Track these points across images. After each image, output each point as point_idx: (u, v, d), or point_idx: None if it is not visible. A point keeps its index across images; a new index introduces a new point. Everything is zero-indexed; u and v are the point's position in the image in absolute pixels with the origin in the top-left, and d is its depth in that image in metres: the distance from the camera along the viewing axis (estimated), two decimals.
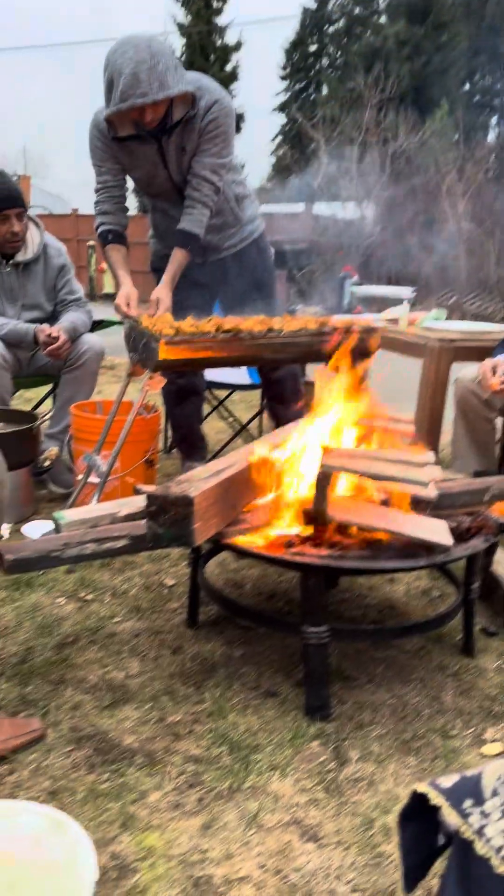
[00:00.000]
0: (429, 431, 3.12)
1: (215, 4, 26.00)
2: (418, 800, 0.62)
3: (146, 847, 1.32)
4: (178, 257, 2.67)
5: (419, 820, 0.64)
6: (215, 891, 1.24)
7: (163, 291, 2.65)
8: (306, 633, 1.66)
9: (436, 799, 0.58)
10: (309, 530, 1.76)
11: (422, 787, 0.60)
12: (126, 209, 2.82)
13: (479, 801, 0.57)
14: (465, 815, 0.57)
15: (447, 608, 1.90)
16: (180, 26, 25.52)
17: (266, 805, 1.43)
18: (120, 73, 2.33)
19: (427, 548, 1.71)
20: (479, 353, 2.86)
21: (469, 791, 0.58)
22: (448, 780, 0.60)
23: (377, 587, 2.41)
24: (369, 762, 1.56)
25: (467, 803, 0.57)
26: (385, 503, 1.85)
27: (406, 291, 3.90)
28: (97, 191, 2.76)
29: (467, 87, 29.76)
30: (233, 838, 1.35)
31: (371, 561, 1.67)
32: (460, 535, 1.82)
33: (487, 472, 2.66)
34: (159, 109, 2.44)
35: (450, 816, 0.57)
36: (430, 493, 1.77)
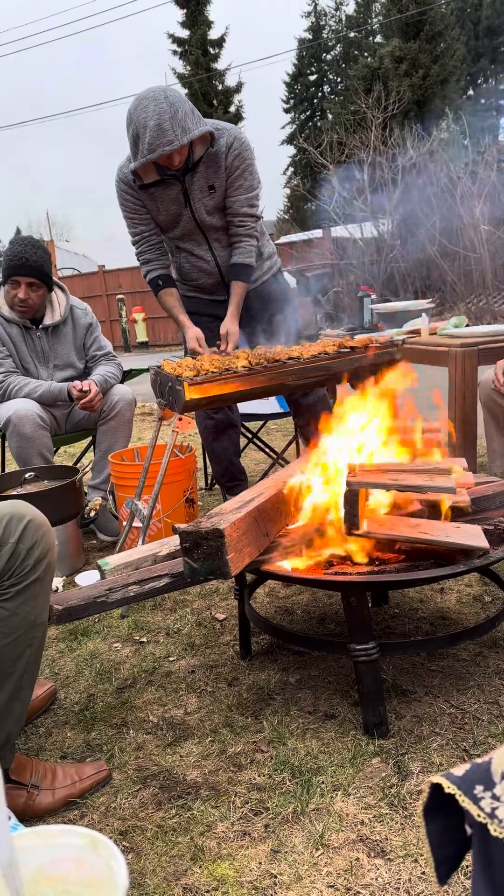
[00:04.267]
0: (464, 437, 3.11)
1: (212, 51, 26.76)
2: (437, 792, 0.64)
3: (218, 877, 1.35)
4: (237, 289, 2.86)
5: (444, 812, 0.66)
6: None
7: (230, 324, 2.82)
8: (354, 652, 1.67)
9: (449, 788, 0.61)
10: (345, 549, 1.79)
11: (436, 778, 0.62)
12: (167, 253, 2.96)
13: (490, 785, 0.59)
14: (477, 801, 0.59)
15: (496, 611, 1.90)
16: (180, 76, 26.30)
17: (331, 825, 1.44)
18: (145, 127, 2.49)
19: (465, 553, 1.71)
20: (502, 354, 2.86)
21: (480, 777, 0.60)
22: (460, 769, 0.62)
23: (428, 599, 2.40)
24: (432, 773, 1.55)
25: (478, 789, 0.59)
26: (427, 514, 1.86)
27: (424, 303, 3.92)
28: (135, 243, 2.91)
29: (471, 91, 29.83)
30: (301, 860, 1.36)
31: (408, 573, 1.68)
32: (499, 537, 1.82)
33: None
34: (184, 152, 2.62)
35: (464, 803, 0.60)
36: (461, 497, 1.79)
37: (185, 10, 26.39)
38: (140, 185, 2.71)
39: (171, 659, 2.15)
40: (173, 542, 1.90)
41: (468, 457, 3.03)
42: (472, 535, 1.68)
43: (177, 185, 2.72)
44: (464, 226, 10.77)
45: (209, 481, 3.93)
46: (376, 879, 1.30)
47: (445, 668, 1.97)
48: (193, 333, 2.81)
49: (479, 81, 31.91)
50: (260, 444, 3.88)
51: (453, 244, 10.90)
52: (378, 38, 31.11)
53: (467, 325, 3.54)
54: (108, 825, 1.51)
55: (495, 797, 0.59)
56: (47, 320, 3.22)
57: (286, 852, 1.39)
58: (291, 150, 32.42)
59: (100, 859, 0.60)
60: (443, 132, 14.55)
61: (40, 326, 3.21)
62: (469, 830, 0.65)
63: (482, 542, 1.66)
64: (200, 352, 2.74)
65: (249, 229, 2.85)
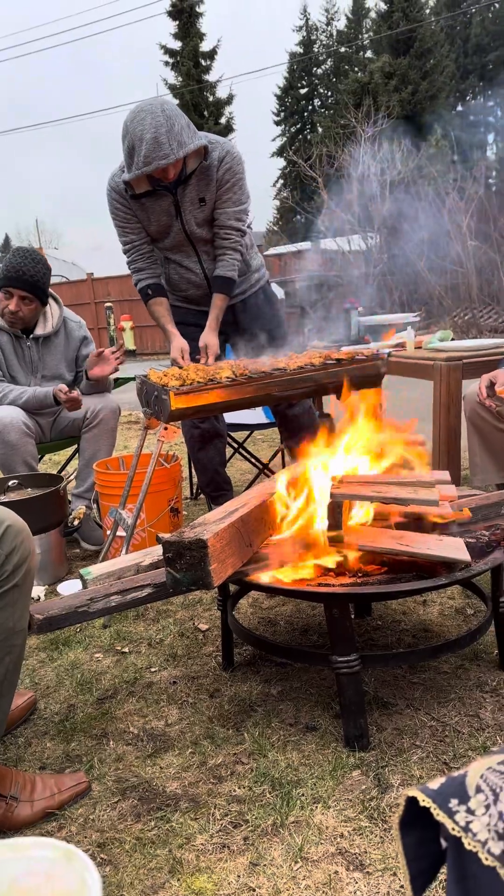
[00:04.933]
0: (448, 450, 3.13)
1: (204, 63, 26.92)
2: (413, 805, 0.64)
3: (196, 890, 1.34)
4: (217, 302, 2.87)
5: (420, 826, 0.66)
6: None
7: (209, 336, 2.82)
8: (336, 664, 1.67)
9: (424, 801, 0.61)
10: (328, 561, 1.79)
11: (412, 791, 0.63)
12: (158, 262, 2.97)
13: (465, 799, 0.60)
14: (451, 814, 0.59)
15: (477, 624, 1.90)
16: (172, 87, 26.43)
17: (311, 838, 1.43)
18: (141, 140, 2.50)
19: (448, 566, 1.72)
20: (487, 368, 2.89)
21: (455, 791, 0.61)
22: (436, 783, 0.63)
23: (410, 611, 2.41)
24: (411, 786, 1.55)
25: (453, 802, 0.60)
26: (411, 526, 1.87)
27: (410, 316, 3.95)
28: (126, 252, 2.91)
29: (460, 108, 30.18)
30: (280, 874, 1.36)
31: (390, 585, 1.68)
32: (481, 550, 1.83)
33: None
34: (179, 165, 2.63)
35: (439, 817, 0.60)
36: (444, 510, 1.80)
37: (177, 22, 26.56)
38: (132, 196, 2.72)
39: (152, 670, 2.14)
40: (157, 551, 1.89)
41: (451, 470, 3.06)
42: (454, 548, 1.69)
43: (168, 197, 2.74)
44: (451, 240, 10.87)
45: (194, 491, 3.93)
46: (355, 893, 1.30)
47: (427, 681, 1.97)
48: (178, 344, 2.82)
49: (468, 98, 32.28)
50: (246, 454, 3.88)
51: (440, 258, 10.99)
52: (368, 54, 31.47)
53: (452, 339, 3.57)
54: (85, 837, 1.50)
55: (470, 811, 0.59)
56: (39, 331, 3.21)
57: (265, 865, 1.38)
58: (281, 162, 32.65)
59: (73, 872, 0.60)
60: (431, 147, 14.70)
61: (31, 336, 3.21)
62: (444, 844, 0.65)
63: (464, 555, 1.67)
64: (182, 364, 2.74)
65: (234, 243, 2.85)
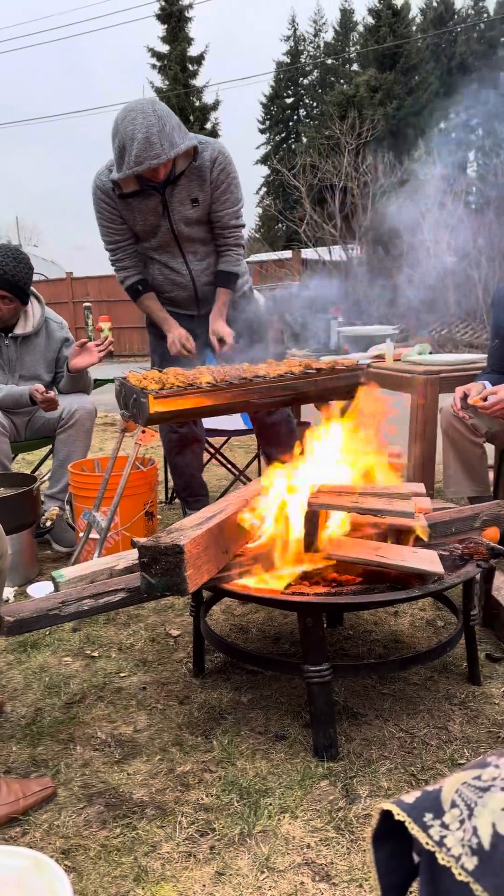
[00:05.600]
0: (423, 462, 3.16)
1: (191, 67, 26.96)
2: (387, 819, 0.64)
3: None
4: (222, 295, 2.93)
5: (393, 839, 0.66)
6: None
7: (220, 326, 2.87)
8: (308, 673, 1.67)
9: (399, 815, 0.61)
10: (303, 570, 1.79)
11: (387, 805, 0.63)
12: (143, 261, 2.97)
13: (439, 813, 0.60)
14: (426, 828, 0.59)
15: (448, 637, 1.92)
16: (158, 90, 26.42)
17: (277, 848, 1.43)
18: (132, 139, 2.49)
19: (421, 578, 1.73)
20: (463, 382, 2.92)
21: (430, 805, 0.61)
22: (411, 797, 0.63)
23: (382, 622, 2.42)
24: (379, 797, 1.56)
25: (427, 817, 0.60)
26: (388, 538, 1.88)
27: (389, 329, 3.98)
28: (111, 251, 2.91)
29: (443, 125, 30.56)
30: (246, 884, 1.35)
31: (364, 595, 1.69)
32: (454, 563, 1.85)
33: (482, 498, 2.71)
34: (169, 165, 2.64)
35: (413, 831, 0.60)
36: (419, 523, 1.81)
37: (166, 26, 26.59)
38: (119, 195, 2.71)
39: (122, 675, 2.13)
40: (131, 555, 1.88)
41: (426, 481, 3.08)
42: (428, 561, 1.70)
43: (156, 197, 2.73)
44: (430, 256, 11.00)
45: (169, 495, 3.91)
46: None
47: (396, 692, 1.98)
48: (180, 332, 2.84)
49: (451, 116, 32.71)
50: (222, 459, 3.88)
51: (419, 273, 11.11)
52: (355, 67, 31.76)
53: (431, 353, 3.60)
54: (50, 843, 1.48)
55: (444, 825, 0.59)
56: (18, 330, 3.18)
57: (231, 875, 1.37)
58: (265, 170, 32.78)
59: (42, 881, 0.59)
60: (414, 162, 14.86)
61: (10, 335, 3.18)
62: (416, 858, 0.65)
63: (437, 568, 1.68)
64: (189, 348, 2.79)
65: (237, 239, 2.92)
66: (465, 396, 2.71)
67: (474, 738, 1.75)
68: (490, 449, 2.93)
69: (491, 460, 3.01)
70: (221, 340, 2.86)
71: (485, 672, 2.04)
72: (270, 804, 1.55)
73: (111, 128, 2.59)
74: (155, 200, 2.74)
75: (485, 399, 2.63)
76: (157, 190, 2.71)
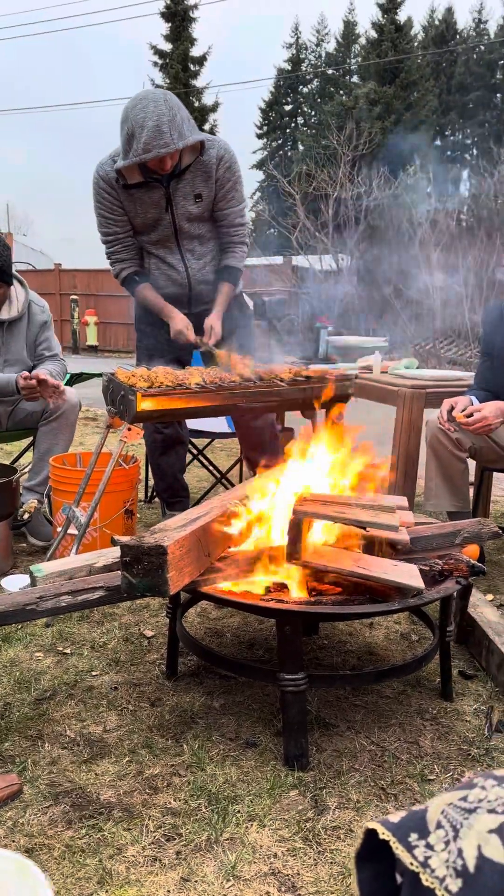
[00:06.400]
0: (405, 474, 3.17)
1: (192, 68, 26.97)
2: (372, 838, 0.64)
3: None
4: (224, 290, 2.92)
5: (376, 859, 0.66)
6: None
7: (215, 320, 2.85)
8: (283, 681, 1.66)
9: (384, 834, 0.61)
10: (284, 577, 1.79)
11: (371, 824, 0.62)
12: (141, 255, 2.95)
13: (424, 834, 0.59)
14: (411, 849, 0.59)
15: (423, 652, 1.92)
16: (158, 88, 26.37)
17: (244, 856, 1.42)
18: (142, 127, 2.47)
19: (400, 591, 1.74)
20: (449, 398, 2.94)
21: (415, 825, 0.60)
22: (396, 816, 0.62)
23: (357, 633, 2.42)
24: (348, 810, 1.56)
25: (413, 837, 0.59)
26: (368, 548, 1.88)
27: (378, 341, 4.00)
28: (108, 243, 2.88)
29: (438, 141, 30.86)
30: (211, 891, 1.34)
31: (345, 606, 1.69)
32: (433, 578, 1.85)
33: (461, 513, 2.72)
34: (176, 157, 2.63)
35: (398, 850, 0.60)
36: (402, 536, 1.81)
37: (170, 24, 26.57)
38: (123, 185, 2.70)
39: (94, 673, 2.10)
40: (111, 553, 1.86)
41: (407, 494, 3.09)
42: (409, 575, 1.70)
43: (160, 189, 2.72)
44: (419, 271, 11.08)
45: (149, 494, 3.89)
46: None
47: (369, 704, 1.98)
48: (182, 320, 2.84)
49: (447, 133, 33.02)
50: (205, 461, 3.86)
51: (407, 287, 11.19)
52: (355, 79, 31.96)
53: (418, 368, 3.62)
54: (13, 841, 1.46)
55: (429, 846, 0.59)
56: (3, 315, 3.14)
57: (196, 881, 1.36)
58: (260, 175, 32.83)
59: (25, 886, 0.58)
60: (409, 178, 14.98)
61: None
62: (399, 879, 0.65)
63: (418, 582, 1.68)
64: (189, 337, 2.78)
65: (242, 237, 2.94)
66: (451, 409, 2.73)
67: (445, 755, 1.75)
68: (472, 465, 2.95)
69: (473, 476, 3.03)
70: (209, 332, 2.84)
71: (457, 689, 2.04)
72: (239, 811, 1.54)
73: (119, 117, 2.58)
74: (158, 193, 2.73)
75: (469, 415, 2.65)
76: (160, 182, 2.69)
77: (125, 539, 1.52)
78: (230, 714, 1.91)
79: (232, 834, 1.48)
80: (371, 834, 0.63)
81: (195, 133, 2.62)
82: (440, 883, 0.56)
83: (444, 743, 1.80)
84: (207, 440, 3.95)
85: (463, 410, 2.69)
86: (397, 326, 11.26)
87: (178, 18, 26.43)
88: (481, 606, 2.33)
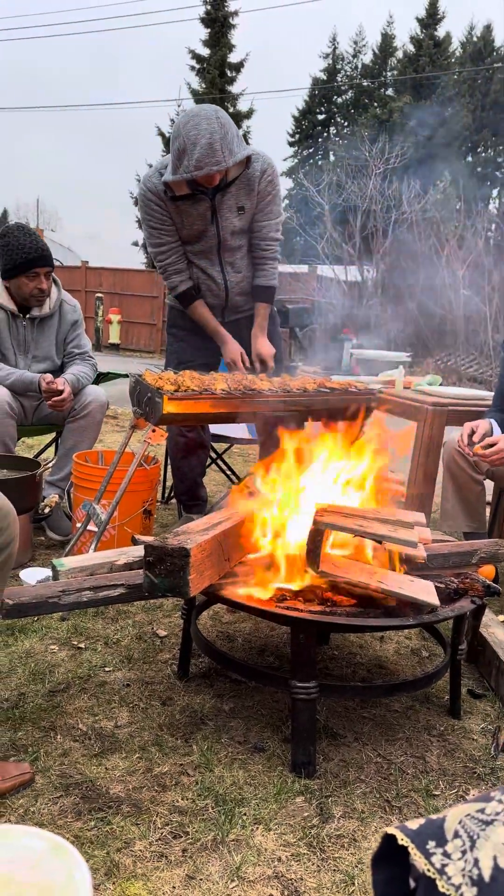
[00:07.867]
0: (422, 492, 3.19)
1: (229, 73, 27.09)
2: (389, 843, 0.66)
3: (130, 895, 1.34)
4: (261, 310, 3.00)
5: (392, 864, 0.68)
6: None
7: (264, 348, 2.96)
8: (295, 688, 1.69)
9: (402, 840, 0.63)
10: (301, 585, 1.81)
11: (391, 830, 0.65)
12: (190, 265, 3.00)
13: (442, 842, 0.62)
14: (428, 856, 0.61)
15: (434, 668, 1.94)
16: (194, 92, 26.54)
17: (249, 858, 1.44)
18: (195, 144, 2.53)
19: (415, 607, 1.76)
20: (470, 418, 2.95)
21: (433, 833, 0.63)
22: (415, 823, 0.65)
23: (367, 645, 2.44)
24: (352, 819, 1.58)
25: (430, 844, 0.62)
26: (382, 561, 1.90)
27: (402, 355, 4.02)
28: (161, 253, 2.91)
29: (470, 158, 30.81)
30: (215, 890, 1.36)
31: (360, 618, 1.71)
32: (448, 596, 1.87)
33: (477, 534, 2.73)
34: (224, 172, 2.67)
35: (415, 857, 0.62)
36: (420, 552, 1.83)
37: (209, 30, 26.71)
38: (170, 197, 2.75)
39: (107, 669, 2.14)
40: (132, 552, 1.90)
41: (424, 511, 3.11)
42: (425, 591, 1.72)
43: (206, 202, 2.76)
44: (445, 287, 11.08)
45: (166, 495, 3.92)
46: None
47: (377, 717, 2.00)
48: (236, 349, 2.91)
49: (479, 150, 32.97)
50: (223, 465, 3.90)
51: (432, 302, 11.19)
52: (390, 92, 32.00)
53: (441, 385, 3.64)
54: None
55: (446, 854, 0.61)
56: (36, 311, 3.20)
57: (201, 879, 1.39)
58: (290, 182, 32.92)
59: (61, 865, 0.60)
60: (438, 193, 14.98)
61: (28, 316, 3.19)
62: (413, 884, 0.67)
63: (434, 599, 1.70)
64: (241, 368, 2.86)
65: (274, 253, 2.97)
66: (472, 433, 2.72)
67: (450, 772, 1.77)
68: (490, 486, 2.96)
69: (490, 497, 3.04)
70: (263, 363, 2.93)
71: (465, 707, 2.06)
72: (245, 814, 1.56)
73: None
74: (204, 206, 2.77)
75: (487, 446, 2.63)
76: (206, 195, 2.74)
77: (149, 539, 1.56)
78: (239, 718, 1.94)
79: (238, 836, 1.50)
80: (389, 839, 0.65)
81: (243, 149, 2.68)
82: (456, 890, 0.59)
83: (450, 760, 1.81)
84: (227, 445, 3.98)
85: (481, 440, 2.64)
86: (419, 341, 11.26)
87: (218, 24, 26.57)
88: (493, 627, 2.34)
